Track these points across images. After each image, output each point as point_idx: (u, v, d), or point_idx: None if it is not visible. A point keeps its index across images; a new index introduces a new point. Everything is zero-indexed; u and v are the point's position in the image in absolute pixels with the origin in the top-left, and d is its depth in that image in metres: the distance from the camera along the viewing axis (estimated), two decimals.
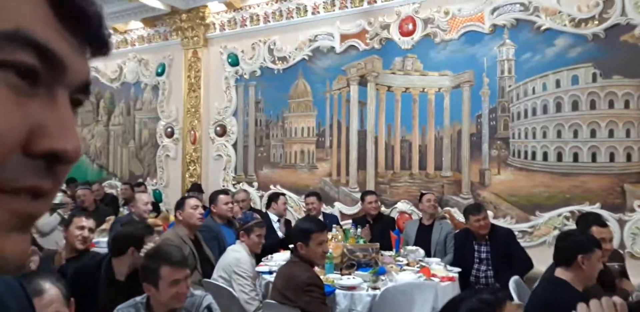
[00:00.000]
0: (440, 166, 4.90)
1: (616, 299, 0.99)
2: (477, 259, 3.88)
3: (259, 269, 3.51)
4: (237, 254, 3.13)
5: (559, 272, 2.27)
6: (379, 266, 3.31)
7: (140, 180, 7.00)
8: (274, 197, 4.93)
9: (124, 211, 4.49)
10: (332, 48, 5.58)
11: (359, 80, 5.42)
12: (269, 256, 3.88)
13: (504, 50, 4.60)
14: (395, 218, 4.87)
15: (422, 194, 4.49)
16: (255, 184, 6.16)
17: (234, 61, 6.32)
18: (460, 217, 4.66)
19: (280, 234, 4.55)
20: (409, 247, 3.84)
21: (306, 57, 5.76)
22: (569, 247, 2.27)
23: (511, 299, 2.86)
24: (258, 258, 3.79)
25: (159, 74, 7.04)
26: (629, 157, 4.01)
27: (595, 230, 2.78)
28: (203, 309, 2.16)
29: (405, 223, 4.62)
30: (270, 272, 3.34)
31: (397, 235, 3.93)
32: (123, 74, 7.52)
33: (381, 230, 4.38)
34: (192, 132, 6.51)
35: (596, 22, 4.16)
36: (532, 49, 4.46)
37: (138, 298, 2.14)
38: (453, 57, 4.87)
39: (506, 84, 4.59)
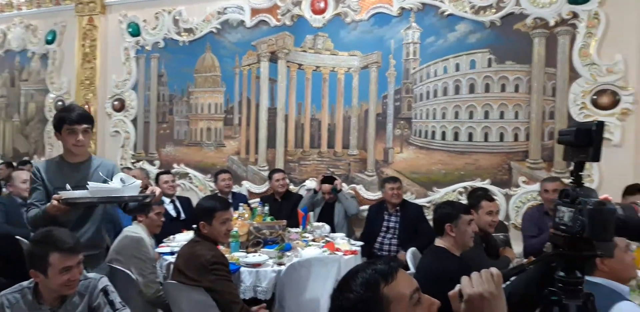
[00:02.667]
0: (348, 145, 5.00)
1: (493, 270, 1.05)
2: (384, 228, 4.14)
3: (160, 250, 3.38)
4: (135, 236, 2.96)
5: (437, 241, 2.48)
6: (285, 243, 3.33)
7: (26, 158, 6.38)
8: (156, 177, 4.76)
9: (5, 190, 4.07)
10: (242, 22, 5.40)
11: (269, 57, 5.32)
12: (171, 236, 3.74)
13: (410, 33, 4.73)
14: (304, 195, 4.91)
15: (324, 178, 4.56)
16: (157, 162, 5.86)
17: (135, 31, 5.90)
18: (365, 194, 4.83)
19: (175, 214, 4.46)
20: (316, 224, 3.91)
21: (214, 30, 5.53)
22: (437, 218, 2.48)
23: (406, 268, 3.02)
24: (158, 239, 3.65)
25: (49, 42, 6.39)
26: (516, 137, 4.35)
27: (484, 204, 3.01)
28: (98, 291, 2.05)
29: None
30: (172, 253, 3.22)
31: (304, 212, 3.97)
32: (7, 40, 6.73)
33: (290, 208, 4.40)
34: (87, 106, 5.99)
35: (493, 10, 4.41)
36: (436, 33, 4.64)
37: (25, 283, 1.99)
38: (363, 38, 4.93)
39: (411, 66, 4.75)
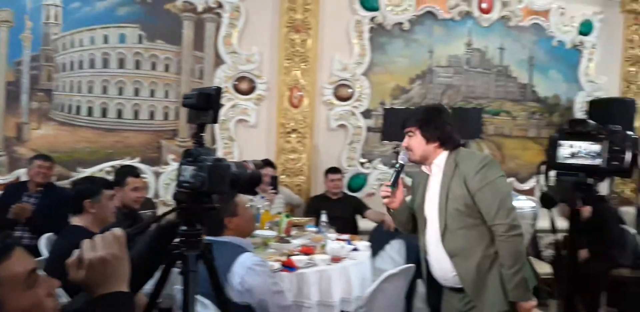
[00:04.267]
0: None
1: (116, 230, 1.03)
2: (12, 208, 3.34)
3: None
4: None
5: (74, 220, 2.29)
6: None
7: None
8: None
9: None
10: None
11: None
12: None
13: None
14: None
15: None
16: None
17: None
18: None
19: None
20: None
21: None
22: (76, 195, 2.32)
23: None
24: None
25: None
26: (166, 116, 4.44)
27: (129, 180, 2.97)
28: None
29: None
30: None
31: None
32: None
33: None
34: None
35: None
36: None
37: None
38: None
39: (51, 31, 4.21)
